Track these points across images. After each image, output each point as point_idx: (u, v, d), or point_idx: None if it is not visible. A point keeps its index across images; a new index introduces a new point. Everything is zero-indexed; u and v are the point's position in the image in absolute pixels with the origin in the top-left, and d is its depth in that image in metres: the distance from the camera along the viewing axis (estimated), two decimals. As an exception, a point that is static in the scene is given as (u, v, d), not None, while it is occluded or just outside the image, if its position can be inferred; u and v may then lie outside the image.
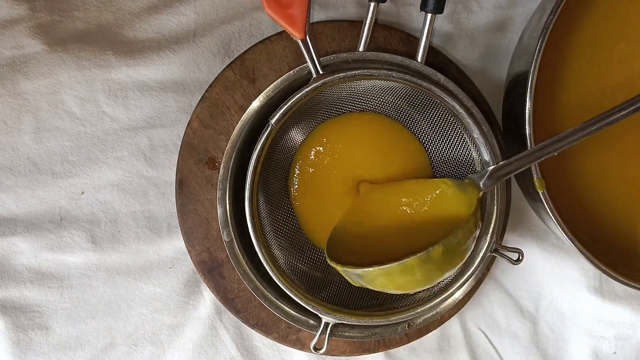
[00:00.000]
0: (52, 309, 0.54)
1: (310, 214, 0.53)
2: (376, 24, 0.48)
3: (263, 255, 0.47)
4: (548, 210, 0.44)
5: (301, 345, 0.53)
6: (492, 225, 0.48)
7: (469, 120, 0.46)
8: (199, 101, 0.52)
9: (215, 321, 0.55)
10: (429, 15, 0.46)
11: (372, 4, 0.46)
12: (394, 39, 0.52)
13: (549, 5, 0.43)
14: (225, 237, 0.48)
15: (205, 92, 0.52)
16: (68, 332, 0.54)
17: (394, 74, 0.46)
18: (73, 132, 0.53)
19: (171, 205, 0.54)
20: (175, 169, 0.53)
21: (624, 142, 0.51)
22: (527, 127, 0.44)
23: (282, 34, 0.52)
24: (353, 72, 0.46)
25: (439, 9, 0.45)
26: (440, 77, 0.47)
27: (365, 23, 0.47)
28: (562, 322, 0.57)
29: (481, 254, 0.47)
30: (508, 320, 0.56)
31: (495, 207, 0.48)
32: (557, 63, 0.49)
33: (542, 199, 0.44)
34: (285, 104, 0.46)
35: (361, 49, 0.47)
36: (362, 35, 0.47)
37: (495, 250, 0.48)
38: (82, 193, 0.53)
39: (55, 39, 0.52)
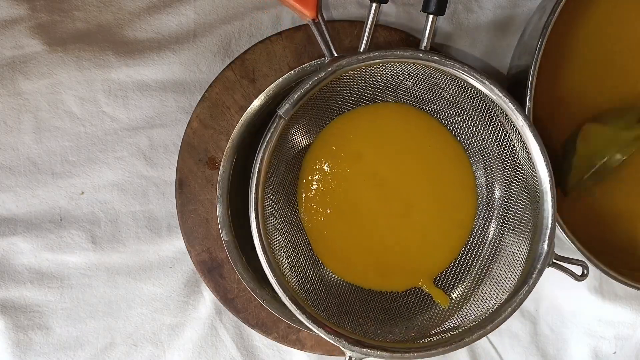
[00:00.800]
0: (52, 309, 0.54)
1: (322, 233, 0.47)
2: (376, 25, 0.48)
3: (276, 279, 0.42)
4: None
5: (301, 345, 0.53)
6: (548, 231, 0.43)
7: (510, 105, 0.43)
8: (199, 101, 0.52)
9: (215, 321, 0.55)
10: (431, 16, 0.46)
11: (374, 5, 0.46)
12: (394, 39, 0.52)
13: (549, 5, 0.43)
14: (224, 236, 0.48)
15: (205, 92, 0.52)
16: (68, 332, 0.54)
17: (420, 55, 0.42)
18: (73, 132, 0.53)
19: (171, 205, 0.54)
20: (175, 169, 0.52)
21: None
22: None
23: (282, 34, 0.52)
24: (371, 54, 0.42)
25: (440, 10, 0.45)
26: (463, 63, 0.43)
27: (367, 24, 0.46)
28: (562, 322, 0.57)
29: (538, 267, 0.43)
30: (508, 320, 0.56)
31: (551, 210, 0.43)
32: (557, 63, 0.49)
33: None
34: (296, 92, 0.41)
35: (362, 49, 0.47)
36: (364, 36, 0.47)
37: (554, 264, 0.43)
38: (82, 193, 0.53)
39: (55, 39, 0.52)
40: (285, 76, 0.47)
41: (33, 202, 0.53)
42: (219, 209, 0.48)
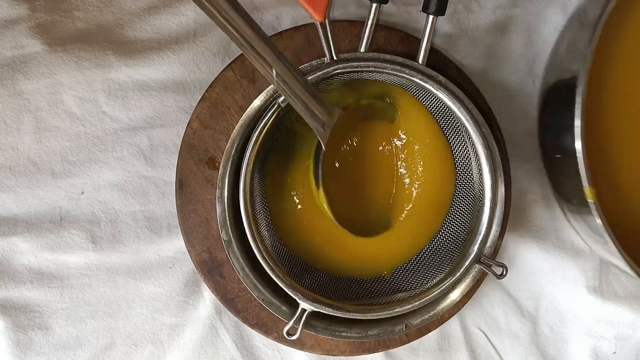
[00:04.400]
0: (52, 309, 0.54)
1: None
2: (377, 25, 0.48)
3: (251, 231, 0.47)
4: (598, 222, 0.43)
5: (301, 345, 0.53)
6: (481, 235, 0.48)
7: (474, 128, 0.47)
8: (199, 101, 0.52)
9: (215, 321, 0.55)
10: (431, 17, 0.46)
11: (374, 5, 0.46)
12: (394, 39, 0.52)
13: (592, 12, 0.43)
14: (224, 236, 0.48)
15: (205, 92, 0.52)
16: (68, 332, 0.54)
17: (407, 72, 0.46)
18: (73, 132, 0.53)
19: (171, 205, 0.54)
20: (175, 169, 0.53)
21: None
22: (577, 142, 0.43)
23: (282, 34, 0.52)
24: (367, 63, 0.46)
25: (440, 11, 0.45)
26: (442, 79, 0.47)
27: (367, 24, 0.46)
28: (562, 322, 0.57)
29: (466, 264, 0.48)
30: (508, 320, 0.56)
31: (486, 216, 0.48)
32: (601, 71, 0.48)
33: (593, 209, 0.43)
34: None
35: (362, 49, 0.47)
36: (364, 36, 0.47)
37: (480, 262, 0.48)
38: (82, 193, 0.53)
39: (55, 39, 0.52)
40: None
41: (33, 202, 0.53)
42: (218, 209, 0.48)
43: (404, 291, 0.51)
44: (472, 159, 0.49)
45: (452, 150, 0.51)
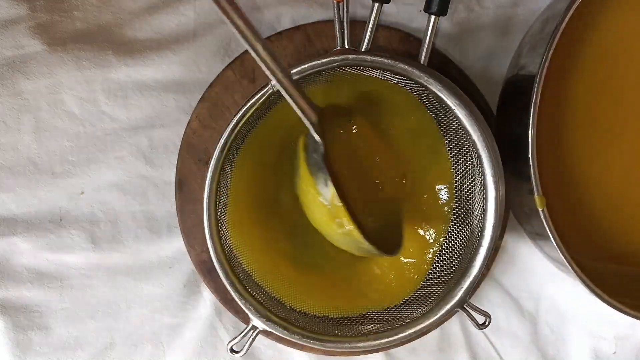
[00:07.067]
0: (52, 309, 0.54)
1: None
2: (378, 24, 0.48)
3: (210, 233, 0.44)
4: (548, 231, 0.43)
5: (301, 345, 0.53)
6: (470, 278, 0.45)
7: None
8: (199, 101, 0.52)
9: (215, 321, 0.55)
10: (432, 17, 0.45)
11: (376, 5, 0.46)
12: (394, 39, 0.52)
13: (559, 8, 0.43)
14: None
15: (205, 92, 0.52)
16: (68, 332, 0.54)
17: (425, 78, 0.43)
18: (73, 132, 0.53)
19: (171, 205, 0.53)
20: (175, 169, 0.52)
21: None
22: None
23: (282, 34, 0.52)
24: (379, 58, 0.43)
25: (442, 10, 0.45)
26: (443, 79, 0.46)
27: (369, 24, 0.46)
28: (562, 322, 0.57)
29: (447, 307, 0.45)
30: (508, 320, 0.56)
31: (481, 257, 0.45)
32: (561, 73, 0.48)
33: (542, 218, 0.42)
34: (295, 67, 0.41)
35: (363, 49, 0.47)
36: (365, 36, 0.47)
37: (463, 308, 0.45)
38: (82, 193, 0.53)
39: (55, 39, 0.51)
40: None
41: (33, 202, 0.53)
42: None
43: (372, 324, 0.47)
44: (476, 180, 0.46)
45: (453, 169, 0.48)
